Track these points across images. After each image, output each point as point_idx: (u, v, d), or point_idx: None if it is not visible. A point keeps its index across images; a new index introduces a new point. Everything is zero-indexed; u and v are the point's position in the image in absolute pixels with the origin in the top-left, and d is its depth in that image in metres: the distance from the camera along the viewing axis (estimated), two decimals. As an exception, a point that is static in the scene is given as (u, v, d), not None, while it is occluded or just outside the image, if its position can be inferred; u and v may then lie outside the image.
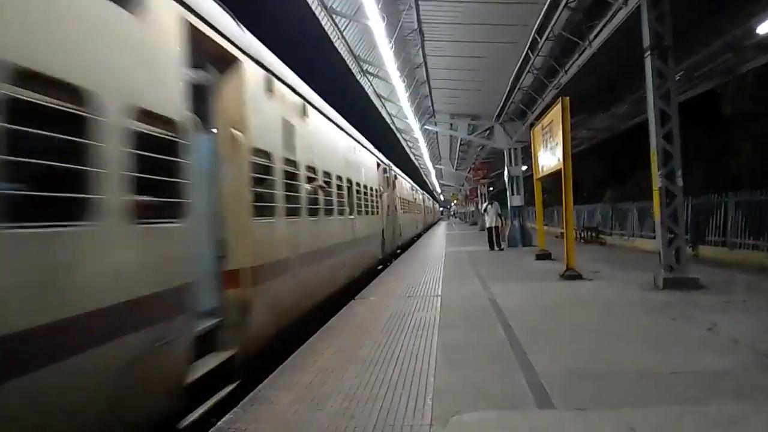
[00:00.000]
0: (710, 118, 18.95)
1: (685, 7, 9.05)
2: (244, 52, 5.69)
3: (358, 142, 12.81)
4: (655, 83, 9.21)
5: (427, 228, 47.15)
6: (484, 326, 6.85)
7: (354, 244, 11.47)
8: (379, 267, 15.26)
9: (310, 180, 8.13)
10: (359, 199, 12.32)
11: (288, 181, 6.96)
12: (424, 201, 45.98)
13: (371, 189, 13.99)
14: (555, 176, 13.31)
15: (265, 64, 6.44)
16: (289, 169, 7.06)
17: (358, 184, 12.13)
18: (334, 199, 9.70)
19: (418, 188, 38.18)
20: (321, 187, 8.69)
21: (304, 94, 8.11)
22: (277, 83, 6.75)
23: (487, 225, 19.45)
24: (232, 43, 5.38)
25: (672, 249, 9.22)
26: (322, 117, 9.32)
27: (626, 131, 23.98)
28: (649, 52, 9.20)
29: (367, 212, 13.32)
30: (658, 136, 9.23)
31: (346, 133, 11.41)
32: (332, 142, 10.18)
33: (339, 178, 10.19)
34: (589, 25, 10.87)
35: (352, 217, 11.31)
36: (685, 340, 5.76)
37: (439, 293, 9.80)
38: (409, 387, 4.56)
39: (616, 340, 5.87)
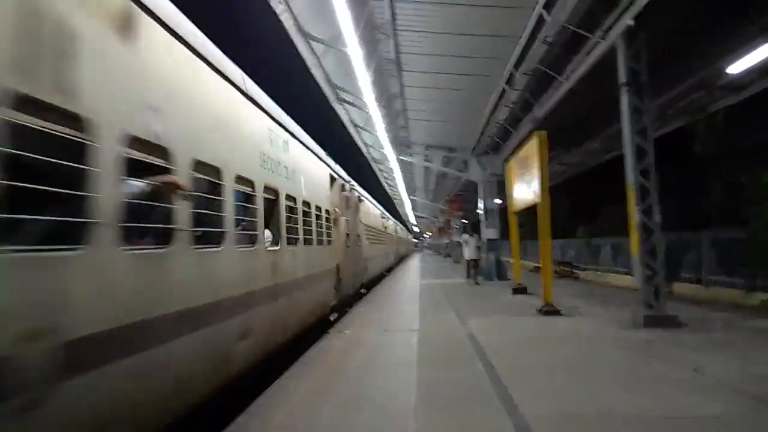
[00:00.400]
0: (681, 155, 19.32)
1: (659, 44, 9.17)
2: None
3: (298, 140, 8.48)
4: (632, 119, 9.24)
5: (400, 260, 45.38)
6: (465, 363, 6.56)
7: (277, 291, 6.67)
8: (332, 317, 10.80)
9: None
10: (295, 222, 7.96)
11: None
12: (396, 231, 40.00)
13: (318, 209, 9.53)
14: (529, 210, 13.16)
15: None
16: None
17: (291, 199, 7.81)
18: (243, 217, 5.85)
19: (390, 216, 33.41)
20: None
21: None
22: None
23: (467, 257, 18.83)
24: None
25: (651, 286, 9.11)
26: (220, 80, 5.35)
27: (597, 167, 24.34)
28: (626, 88, 9.25)
29: (309, 242, 8.77)
30: (635, 171, 9.22)
31: (275, 120, 7.19)
32: (243, 128, 5.95)
33: (249, 183, 5.90)
34: (567, 60, 10.96)
35: (277, 248, 6.82)
36: (673, 381, 5.56)
37: (416, 327, 9.50)
38: (388, 432, 4.24)
39: (603, 380, 5.65)
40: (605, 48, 9.50)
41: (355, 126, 19.70)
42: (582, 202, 30.56)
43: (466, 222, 18.60)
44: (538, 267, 24.62)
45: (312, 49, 11.41)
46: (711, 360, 6.37)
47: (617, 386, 5.40)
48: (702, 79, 12.69)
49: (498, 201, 21.63)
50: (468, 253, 18.65)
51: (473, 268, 18.55)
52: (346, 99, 15.74)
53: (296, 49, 10.84)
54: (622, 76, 9.22)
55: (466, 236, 19.12)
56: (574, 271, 21.03)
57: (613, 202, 28.28)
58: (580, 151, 21.05)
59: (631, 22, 8.61)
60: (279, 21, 9.86)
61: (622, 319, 9.49)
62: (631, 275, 16.26)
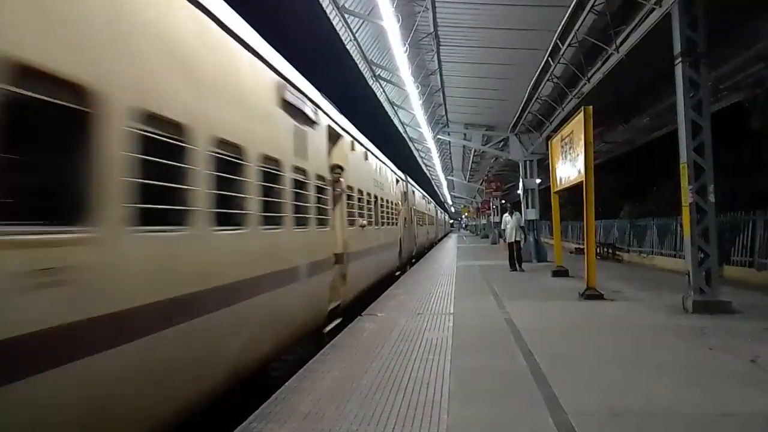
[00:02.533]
0: (735, 132, 18.24)
1: (715, 14, 8.48)
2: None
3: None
4: (686, 92, 8.62)
5: (439, 240, 46.30)
6: (502, 350, 6.26)
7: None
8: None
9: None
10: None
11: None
12: (436, 214, 46.43)
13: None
14: (569, 190, 12.97)
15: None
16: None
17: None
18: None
19: (431, 199, 38.20)
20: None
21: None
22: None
23: (508, 238, 16.43)
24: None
25: (702, 270, 8.57)
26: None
27: (645, 145, 23.35)
28: (680, 59, 8.61)
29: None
30: (689, 148, 8.62)
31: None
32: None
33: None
34: (617, 30, 10.30)
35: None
36: (728, 374, 5.14)
37: (452, 311, 9.22)
38: (419, 423, 4.00)
39: (651, 372, 5.25)
40: (660, 15, 8.82)
41: (392, 104, 19.28)
42: (627, 182, 29.44)
43: (504, 202, 17.43)
44: (579, 248, 24.05)
45: (347, 24, 11.03)
46: (769, 350, 5.91)
47: (667, 379, 5.00)
48: (762, 50, 11.80)
49: (537, 181, 21.05)
50: (509, 234, 16.30)
51: (516, 251, 16.20)
52: (383, 76, 15.33)
53: (331, 24, 10.49)
54: (678, 46, 8.57)
55: (506, 216, 16.62)
56: (618, 252, 20.32)
57: (660, 182, 27.31)
58: (627, 129, 20.13)
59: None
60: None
61: (671, 304, 9.01)
62: (679, 258, 15.89)
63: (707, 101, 8.75)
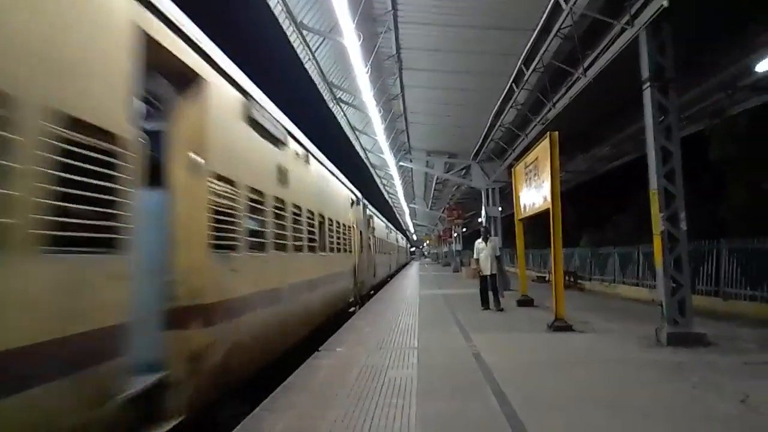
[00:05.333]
0: (695, 161, 18.51)
1: (678, 42, 8.37)
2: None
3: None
4: (655, 118, 8.41)
5: (400, 268, 45.26)
6: (472, 391, 5.66)
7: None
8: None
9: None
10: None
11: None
12: (397, 241, 44.41)
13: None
14: (531, 219, 12.75)
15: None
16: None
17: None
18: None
19: (391, 227, 36.90)
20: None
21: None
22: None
23: (483, 271, 13.07)
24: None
25: (675, 300, 8.25)
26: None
27: (603, 174, 23.61)
28: (648, 84, 8.42)
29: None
30: (659, 175, 8.36)
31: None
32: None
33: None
34: (584, 54, 10.12)
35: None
36: (720, 418, 4.69)
37: (416, 344, 8.59)
38: (382, 490, 3.35)
39: (636, 415, 4.75)
40: (631, 36, 8.63)
41: (353, 129, 18.83)
42: (586, 211, 29.73)
43: (464, 230, 15.90)
44: (540, 276, 23.97)
45: (305, 41, 10.52)
46: (755, 387, 5.54)
47: (655, 425, 4.52)
48: (724, 79, 11.88)
49: (499, 209, 20.88)
50: (483, 264, 13.03)
51: (491, 286, 13.06)
52: (344, 99, 14.87)
53: (287, 39, 9.96)
54: (646, 70, 8.39)
55: (480, 243, 13.29)
56: (579, 281, 20.17)
57: (619, 210, 27.70)
58: (586, 158, 20.22)
59: (666, 3, 7.69)
60: (268, 7, 8.99)
61: (642, 335, 8.64)
62: (641, 286, 15.79)
63: (677, 126, 8.57)
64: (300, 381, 6.36)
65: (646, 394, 5.54)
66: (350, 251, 14.45)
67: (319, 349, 8.35)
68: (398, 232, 47.01)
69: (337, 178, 12.83)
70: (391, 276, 33.91)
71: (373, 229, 22.05)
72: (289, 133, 8.25)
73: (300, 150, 8.98)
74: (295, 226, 8.39)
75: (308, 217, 9.29)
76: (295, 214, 8.30)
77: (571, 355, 7.63)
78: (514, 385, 5.80)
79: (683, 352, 7.54)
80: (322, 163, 10.90)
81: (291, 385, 6.18)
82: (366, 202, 19.36)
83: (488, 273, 13.00)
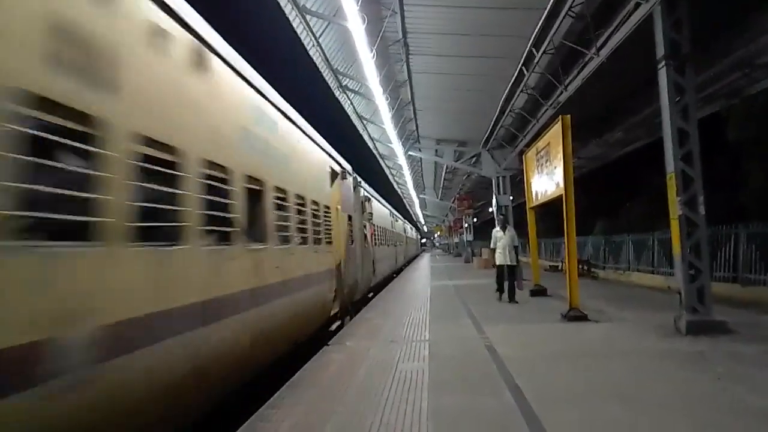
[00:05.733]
0: (711, 144, 18.07)
1: (694, 20, 8.03)
2: None
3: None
4: (671, 98, 8.08)
5: (409, 262, 43.49)
6: (485, 385, 5.44)
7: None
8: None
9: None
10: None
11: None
12: (405, 231, 38.56)
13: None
14: (542, 206, 12.52)
15: None
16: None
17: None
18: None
19: (398, 215, 33.13)
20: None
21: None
22: None
23: (499, 260, 12.46)
24: None
25: (694, 287, 7.96)
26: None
27: (616, 161, 23.21)
28: (664, 63, 8.09)
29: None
30: (676, 157, 8.05)
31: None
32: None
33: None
34: (597, 33, 9.79)
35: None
36: (749, 411, 4.42)
37: (427, 337, 8.38)
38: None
39: (659, 411, 4.50)
40: (646, 12, 8.29)
41: (361, 118, 18.55)
42: (598, 198, 29.28)
43: (503, 216, 13.69)
44: (553, 266, 23.68)
45: (308, 26, 10.24)
46: (787, 379, 5.26)
47: (679, 418, 4.28)
48: (741, 58, 11.49)
49: (510, 197, 20.58)
50: (500, 255, 12.37)
51: (508, 278, 12.35)
52: (350, 87, 14.60)
53: (290, 25, 9.69)
54: (661, 48, 8.05)
55: (497, 232, 12.61)
56: (593, 269, 19.86)
57: (632, 197, 27.24)
58: (599, 144, 19.81)
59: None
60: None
61: (659, 324, 8.39)
62: (656, 274, 15.48)
63: (694, 106, 8.23)
64: (308, 377, 6.19)
65: (667, 386, 5.29)
66: (329, 243, 10.10)
67: (329, 343, 8.18)
68: (406, 221, 44.13)
69: (310, 138, 9.14)
70: (399, 271, 30.29)
71: (371, 214, 17.18)
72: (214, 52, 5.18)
73: (234, 82, 5.82)
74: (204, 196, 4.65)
75: (245, 186, 5.76)
76: (206, 175, 4.77)
77: (587, 346, 7.39)
78: (529, 378, 5.58)
79: (703, 341, 7.27)
80: (279, 109, 7.44)
81: (298, 381, 6.01)
82: (361, 180, 14.97)
83: (507, 263, 12.28)
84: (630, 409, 4.55)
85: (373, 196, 18.67)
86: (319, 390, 5.56)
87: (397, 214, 32.31)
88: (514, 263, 12.34)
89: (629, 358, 6.48)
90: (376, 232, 18.78)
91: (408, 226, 45.06)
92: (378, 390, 5.39)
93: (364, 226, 15.38)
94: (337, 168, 11.23)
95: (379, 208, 20.94)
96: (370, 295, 16.35)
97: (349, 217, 12.57)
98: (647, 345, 7.22)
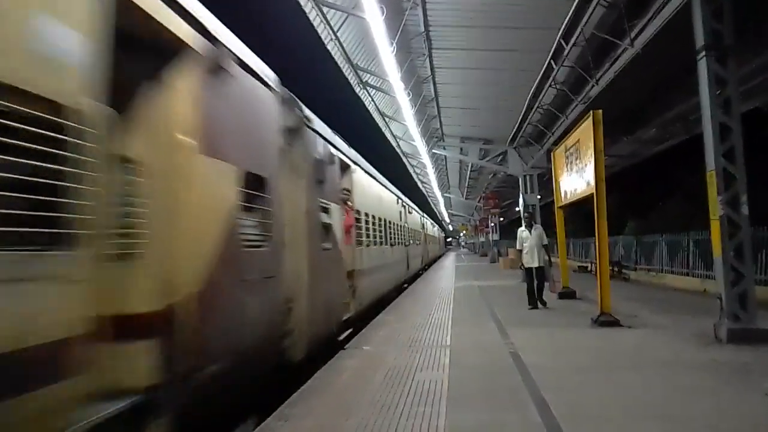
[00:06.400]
0: (750, 141, 17.23)
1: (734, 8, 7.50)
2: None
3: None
4: (712, 90, 7.53)
5: (432, 261, 40.82)
6: (509, 399, 5.04)
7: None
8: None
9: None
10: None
11: None
12: (424, 226, 32.64)
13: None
14: (572, 205, 12.13)
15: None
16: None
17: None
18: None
19: (426, 217, 32.28)
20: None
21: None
22: None
23: (527, 263, 11.48)
24: None
25: (736, 292, 7.41)
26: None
27: (648, 159, 22.44)
28: (704, 54, 7.55)
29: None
30: (718, 154, 7.51)
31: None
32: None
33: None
34: (630, 25, 9.27)
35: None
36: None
37: (448, 342, 8.00)
38: None
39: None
40: (680, 3, 7.79)
41: (383, 115, 18.20)
42: (630, 198, 28.42)
43: (529, 215, 12.38)
44: (582, 266, 22.97)
45: (326, 19, 9.92)
46: None
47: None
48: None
49: (537, 196, 20.05)
50: (528, 256, 11.45)
51: (536, 281, 11.39)
52: (371, 83, 14.24)
53: (307, 18, 9.36)
54: (701, 38, 7.52)
55: (523, 231, 11.72)
56: (624, 270, 19.16)
57: (666, 197, 26.34)
58: (631, 142, 19.11)
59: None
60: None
61: (698, 332, 7.86)
62: (692, 276, 14.80)
63: (737, 100, 7.66)
64: (320, 384, 5.86)
65: (711, 404, 4.82)
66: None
67: (345, 347, 7.86)
68: (426, 216, 38.44)
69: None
70: (422, 270, 28.76)
71: (363, 192, 11.46)
72: None
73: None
74: None
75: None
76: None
77: (620, 355, 6.91)
78: (557, 392, 5.16)
79: (747, 351, 6.73)
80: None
81: (311, 389, 5.69)
82: (341, 143, 9.47)
83: (535, 265, 11.31)
84: (670, 429, 4.11)
85: (371, 173, 12.97)
86: (331, 400, 5.23)
87: (412, 204, 25.04)
88: (542, 264, 11.38)
89: (667, 370, 5.99)
90: (377, 229, 13.23)
91: (429, 221, 40.10)
92: (393, 402, 5.04)
93: (344, 219, 9.19)
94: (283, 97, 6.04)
95: (384, 196, 15.27)
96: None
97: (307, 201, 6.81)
98: (686, 355, 6.70)
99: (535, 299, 11.30)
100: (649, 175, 25.05)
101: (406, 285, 19.47)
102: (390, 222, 15.73)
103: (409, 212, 22.44)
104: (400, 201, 18.85)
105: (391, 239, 15.65)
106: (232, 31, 4.94)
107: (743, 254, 7.45)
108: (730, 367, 6.00)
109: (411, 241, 22.31)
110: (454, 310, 11.74)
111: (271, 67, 5.77)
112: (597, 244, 9.57)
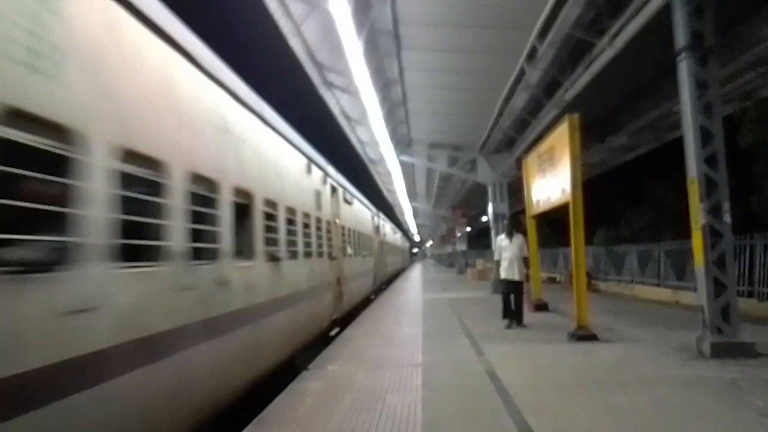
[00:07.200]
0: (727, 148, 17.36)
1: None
2: None
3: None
4: (693, 93, 7.22)
5: (400, 271, 41.00)
6: (491, 426, 4.53)
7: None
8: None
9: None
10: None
11: None
12: (376, 233, 24.01)
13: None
14: (542, 215, 11.88)
15: None
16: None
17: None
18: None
19: (395, 230, 29.33)
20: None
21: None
22: None
23: (503, 275, 10.34)
24: None
25: (719, 304, 7.07)
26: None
27: (617, 168, 22.50)
28: (684, 55, 7.25)
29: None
30: (699, 160, 7.18)
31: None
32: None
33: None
34: (608, 24, 8.97)
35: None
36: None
37: (420, 360, 7.44)
38: None
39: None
40: (661, 2, 7.50)
41: (348, 119, 17.60)
42: (598, 207, 28.58)
43: (506, 221, 11.71)
44: (550, 277, 22.78)
45: (289, 13, 9.29)
46: None
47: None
48: (755, 57, 10.74)
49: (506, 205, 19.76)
50: (506, 268, 10.28)
51: (514, 297, 10.27)
52: (336, 83, 13.64)
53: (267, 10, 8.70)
54: (681, 38, 7.21)
55: (503, 239, 10.63)
56: (593, 281, 18.97)
57: (635, 206, 26.45)
58: (600, 150, 19.00)
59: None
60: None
61: (678, 345, 7.53)
62: (663, 287, 14.62)
63: (718, 103, 7.38)
64: (280, 411, 5.22)
65: (705, 425, 4.43)
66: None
67: (308, 367, 7.21)
68: (402, 235, 36.55)
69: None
70: (388, 282, 26.75)
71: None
72: None
73: None
74: None
75: None
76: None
77: (602, 372, 6.48)
78: (541, 414, 4.70)
79: (732, 365, 6.40)
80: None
81: (268, 416, 5.06)
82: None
83: (514, 279, 10.16)
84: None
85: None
86: (291, 430, 4.60)
87: (364, 200, 19.82)
88: (521, 279, 10.24)
89: (654, 388, 5.56)
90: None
91: (388, 227, 32.94)
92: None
93: None
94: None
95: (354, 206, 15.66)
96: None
97: None
98: (670, 371, 6.31)
99: (512, 317, 10.18)
100: (618, 184, 25.15)
101: (390, 281, 20.72)
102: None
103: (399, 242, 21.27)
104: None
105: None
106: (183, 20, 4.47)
107: (725, 265, 7.13)
108: (719, 384, 5.64)
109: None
110: (425, 323, 11.21)
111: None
112: (573, 254, 9.18)
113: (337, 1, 7.56)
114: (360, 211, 18.06)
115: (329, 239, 11.25)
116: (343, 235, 13.58)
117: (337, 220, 12.66)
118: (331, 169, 12.21)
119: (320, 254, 10.16)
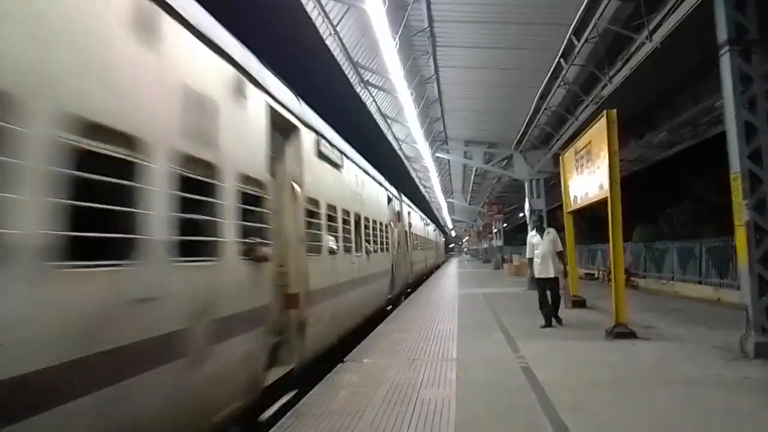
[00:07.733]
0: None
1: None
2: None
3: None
4: (736, 88, 7.05)
5: (435, 267, 39.97)
6: (525, 423, 4.55)
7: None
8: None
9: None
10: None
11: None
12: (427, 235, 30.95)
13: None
14: (579, 212, 11.87)
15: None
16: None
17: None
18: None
19: (430, 222, 30.81)
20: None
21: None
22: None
23: (536, 273, 9.98)
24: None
25: (764, 303, 6.90)
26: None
27: (656, 164, 21.98)
28: (727, 49, 7.07)
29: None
30: (743, 155, 7.01)
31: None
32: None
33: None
34: (648, 18, 8.80)
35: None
36: None
37: (454, 355, 7.50)
38: None
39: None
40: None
41: (384, 117, 17.70)
42: (637, 203, 27.96)
43: (536, 218, 11.39)
44: (588, 273, 22.42)
45: (324, 12, 9.41)
46: None
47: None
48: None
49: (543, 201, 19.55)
50: (539, 266, 9.87)
51: (552, 295, 9.82)
52: (372, 82, 13.74)
53: (305, 12, 8.83)
54: (723, 32, 7.04)
55: (533, 236, 10.33)
56: (633, 278, 18.61)
57: (674, 202, 25.82)
58: (639, 146, 18.61)
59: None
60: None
61: (720, 345, 7.39)
62: (705, 284, 14.28)
63: (762, 97, 7.15)
64: (315, 403, 5.36)
65: (747, 428, 4.35)
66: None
67: (344, 359, 7.35)
68: (429, 220, 36.22)
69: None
70: (421, 280, 25.88)
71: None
72: None
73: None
74: None
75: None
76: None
77: (642, 371, 6.41)
78: (577, 413, 4.69)
79: (777, 366, 6.24)
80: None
81: (304, 408, 5.20)
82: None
83: (548, 276, 9.76)
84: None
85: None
86: (327, 423, 4.72)
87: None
88: (556, 275, 9.81)
89: (695, 389, 5.49)
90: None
91: (434, 230, 38.26)
92: (395, 425, 4.54)
93: None
94: None
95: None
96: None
97: None
98: (713, 372, 6.19)
99: (550, 317, 9.72)
100: (657, 180, 24.55)
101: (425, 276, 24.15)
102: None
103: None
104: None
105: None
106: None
107: (772, 263, 6.95)
108: (763, 386, 5.51)
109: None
110: (459, 319, 11.24)
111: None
112: (611, 250, 9.06)
113: (373, 1, 7.65)
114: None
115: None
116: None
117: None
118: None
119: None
